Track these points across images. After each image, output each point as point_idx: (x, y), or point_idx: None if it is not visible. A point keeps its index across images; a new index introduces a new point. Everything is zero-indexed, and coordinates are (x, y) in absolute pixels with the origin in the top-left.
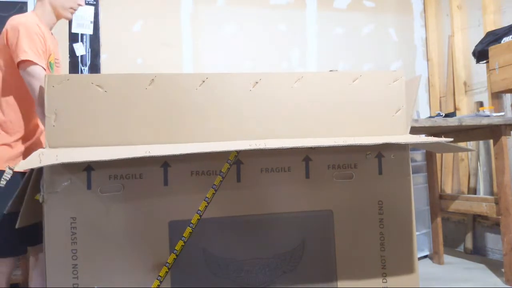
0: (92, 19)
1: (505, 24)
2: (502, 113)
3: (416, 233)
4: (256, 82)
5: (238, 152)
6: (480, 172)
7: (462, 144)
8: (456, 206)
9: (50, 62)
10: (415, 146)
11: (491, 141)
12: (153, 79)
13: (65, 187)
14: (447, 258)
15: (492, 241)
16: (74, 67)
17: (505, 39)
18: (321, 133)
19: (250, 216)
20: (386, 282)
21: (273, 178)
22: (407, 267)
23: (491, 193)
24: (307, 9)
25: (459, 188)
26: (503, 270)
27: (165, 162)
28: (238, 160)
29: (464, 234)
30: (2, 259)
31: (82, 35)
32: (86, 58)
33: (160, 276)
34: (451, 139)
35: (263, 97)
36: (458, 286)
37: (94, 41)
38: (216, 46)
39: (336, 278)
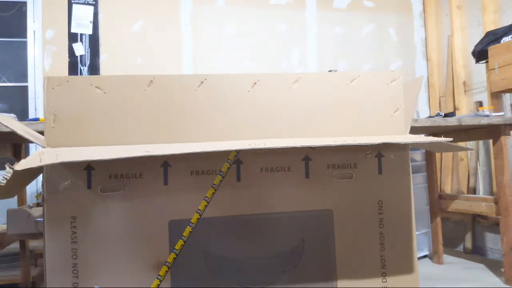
0: (92, 19)
1: (505, 24)
2: (502, 113)
3: (416, 233)
4: (255, 83)
5: (238, 152)
6: (479, 172)
7: (461, 144)
8: (455, 206)
9: None
10: (415, 146)
11: (491, 141)
12: (152, 80)
13: (66, 186)
14: (446, 258)
15: (491, 241)
16: (73, 67)
17: (505, 39)
18: (321, 133)
19: (250, 215)
20: (385, 281)
21: (273, 177)
22: (407, 267)
23: (491, 193)
24: (307, 9)
25: (458, 188)
26: (502, 270)
27: (165, 161)
28: (238, 160)
29: (463, 234)
30: None
31: (81, 35)
32: (85, 58)
33: (160, 276)
34: (451, 139)
35: (262, 98)
36: (458, 286)
37: (94, 41)
38: (216, 46)
39: (336, 278)
